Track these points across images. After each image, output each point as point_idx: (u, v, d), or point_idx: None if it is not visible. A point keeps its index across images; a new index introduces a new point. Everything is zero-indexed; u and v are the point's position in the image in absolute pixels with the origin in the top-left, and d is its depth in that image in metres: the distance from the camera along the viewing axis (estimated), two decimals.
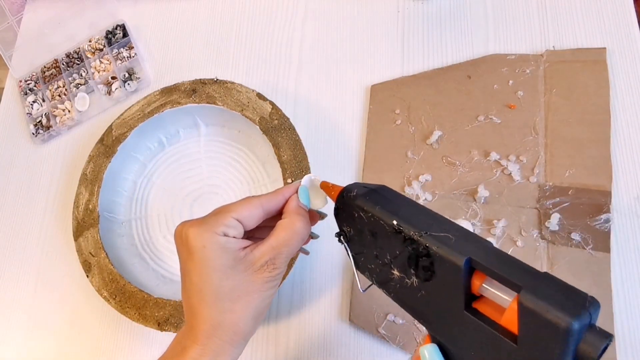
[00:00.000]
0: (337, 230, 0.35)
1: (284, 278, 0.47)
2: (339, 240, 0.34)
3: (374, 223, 0.30)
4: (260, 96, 0.55)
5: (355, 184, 0.34)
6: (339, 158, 0.56)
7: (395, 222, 0.29)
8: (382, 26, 0.60)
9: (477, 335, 0.25)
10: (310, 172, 0.50)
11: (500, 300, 0.25)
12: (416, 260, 0.28)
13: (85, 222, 0.55)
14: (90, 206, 0.55)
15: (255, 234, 0.37)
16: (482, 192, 0.48)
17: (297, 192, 0.37)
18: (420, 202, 0.50)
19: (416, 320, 0.39)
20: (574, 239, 0.45)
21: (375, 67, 0.59)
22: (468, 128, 0.52)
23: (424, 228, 0.28)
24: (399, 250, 0.29)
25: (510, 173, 0.49)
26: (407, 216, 0.29)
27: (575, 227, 0.45)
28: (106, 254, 0.52)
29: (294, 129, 0.52)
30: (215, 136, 0.60)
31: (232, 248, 0.32)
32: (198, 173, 0.59)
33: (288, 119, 0.53)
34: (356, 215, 0.31)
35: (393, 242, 0.29)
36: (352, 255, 0.33)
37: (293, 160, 0.51)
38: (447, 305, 0.27)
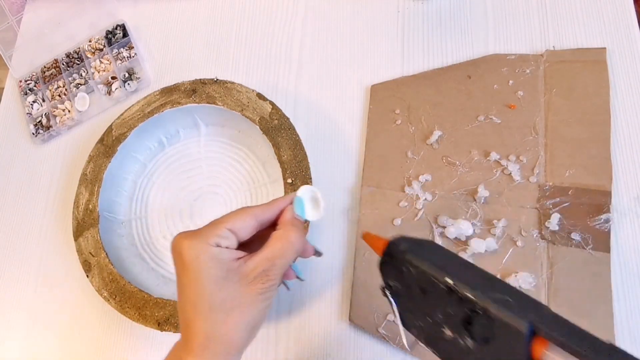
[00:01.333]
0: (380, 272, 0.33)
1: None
2: (384, 295, 0.33)
3: (424, 280, 0.29)
4: (260, 96, 0.55)
5: (402, 237, 0.32)
6: (339, 158, 0.56)
7: (449, 280, 0.27)
8: (382, 26, 0.60)
9: None
10: (310, 174, 0.50)
11: None
12: (472, 321, 0.27)
13: (85, 222, 0.55)
14: (90, 206, 0.55)
15: (252, 246, 0.37)
16: (482, 192, 0.48)
17: (292, 203, 0.37)
18: (420, 202, 0.50)
19: None
20: (574, 239, 0.45)
21: (375, 67, 0.59)
22: (468, 128, 0.52)
23: (481, 289, 0.27)
24: (452, 310, 0.28)
25: (510, 173, 0.49)
26: (461, 275, 0.28)
27: (575, 227, 0.45)
28: (106, 254, 0.52)
29: (294, 129, 0.52)
30: (215, 136, 0.60)
31: (225, 259, 0.32)
32: (198, 173, 0.59)
33: (288, 119, 0.53)
34: (405, 270, 0.30)
35: (446, 301, 0.28)
36: (399, 311, 0.32)
37: (293, 160, 0.51)
38: None
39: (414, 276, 0.30)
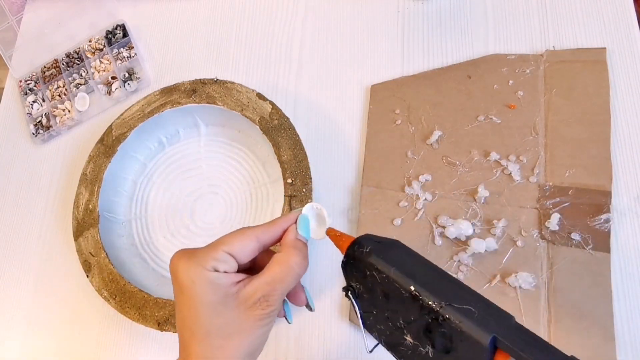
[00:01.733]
0: (344, 274, 0.32)
1: None
2: (346, 296, 0.32)
3: (387, 284, 0.28)
4: (260, 96, 0.55)
5: (366, 236, 0.31)
6: (339, 158, 0.56)
7: (412, 288, 0.27)
8: (382, 26, 0.60)
9: None
10: (310, 174, 0.50)
11: None
12: (434, 331, 0.26)
13: (85, 222, 0.55)
14: (90, 206, 0.55)
15: (256, 264, 0.35)
16: (482, 192, 0.48)
17: (296, 222, 0.35)
18: (420, 202, 0.50)
19: None
20: (574, 239, 0.45)
21: (375, 67, 0.59)
22: (468, 128, 0.52)
23: (445, 297, 0.26)
24: (414, 317, 0.27)
25: (510, 173, 0.49)
26: (426, 281, 0.27)
27: (575, 227, 0.45)
28: (106, 254, 0.52)
29: (294, 129, 0.52)
30: (215, 136, 0.60)
31: (223, 284, 0.31)
32: (198, 173, 0.59)
33: (288, 119, 0.53)
34: (368, 273, 0.29)
35: (409, 307, 0.27)
36: (360, 313, 0.31)
37: (293, 160, 0.51)
38: None
39: (378, 280, 0.29)
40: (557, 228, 0.45)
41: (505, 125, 0.51)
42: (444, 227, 0.48)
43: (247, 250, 0.33)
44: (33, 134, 0.67)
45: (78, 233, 0.55)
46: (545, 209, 0.46)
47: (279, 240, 0.34)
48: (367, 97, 0.57)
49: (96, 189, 0.56)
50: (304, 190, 0.49)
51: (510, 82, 0.52)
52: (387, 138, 0.54)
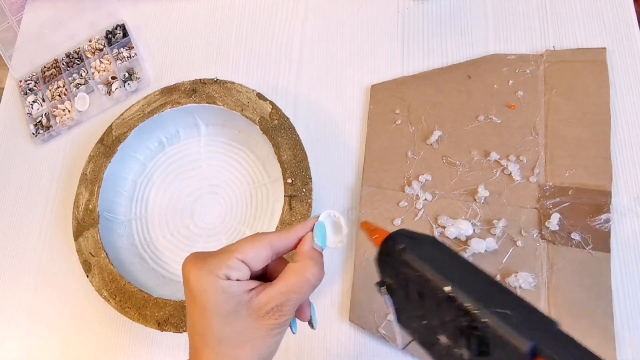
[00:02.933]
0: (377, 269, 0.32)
1: None
2: (379, 291, 0.31)
3: (422, 283, 0.27)
4: (260, 96, 0.55)
5: (400, 231, 0.31)
6: (339, 158, 0.56)
7: (448, 289, 0.26)
8: (382, 26, 0.60)
9: None
10: (310, 174, 0.50)
11: None
12: (470, 333, 0.25)
13: (85, 222, 0.55)
14: (90, 206, 0.55)
15: (268, 271, 0.35)
16: (482, 192, 0.48)
17: (312, 229, 0.34)
18: (420, 202, 0.50)
19: None
20: (574, 239, 0.45)
21: (375, 67, 0.59)
22: (468, 128, 0.52)
23: (482, 299, 0.25)
24: (449, 318, 0.26)
25: (510, 173, 0.49)
26: (462, 281, 0.26)
27: (575, 227, 0.45)
28: (106, 254, 0.52)
29: (294, 129, 0.52)
30: (215, 136, 0.60)
31: (235, 292, 0.30)
32: (198, 173, 0.59)
33: (288, 119, 0.53)
34: (402, 270, 0.29)
35: (444, 307, 0.26)
36: (394, 309, 0.30)
37: (293, 160, 0.51)
38: None
39: (412, 278, 0.28)
40: (557, 228, 0.45)
41: (505, 125, 0.51)
42: (444, 227, 0.48)
43: (260, 257, 0.32)
44: (33, 134, 0.67)
45: (78, 233, 0.55)
46: (545, 209, 0.46)
47: (293, 248, 0.34)
48: (367, 97, 0.57)
49: (96, 189, 0.56)
50: (304, 190, 0.49)
51: (510, 82, 0.52)
52: (387, 138, 0.54)
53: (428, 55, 0.57)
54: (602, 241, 0.44)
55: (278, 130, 0.52)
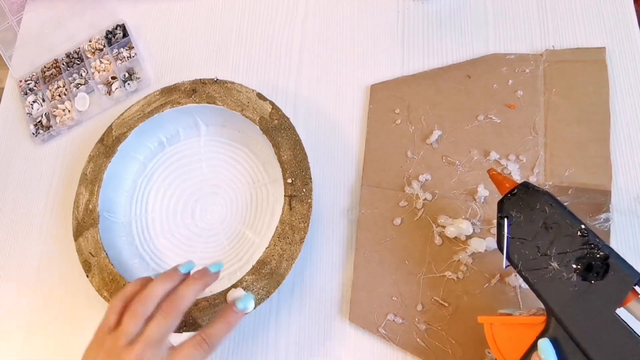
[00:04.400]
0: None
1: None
2: (500, 220, 0.37)
3: (556, 218, 0.34)
4: (260, 96, 0.55)
5: (526, 182, 0.37)
6: (339, 158, 0.56)
7: (583, 227, 0.33)
8: (382, 26, 0.60)
9: (617, 338, 0.31)
10: (310, 174, 0.50)
11: None
12: (588, 262, 0.33)
13: (85, 222, 0.55)
14: (90, 206, 0.55)
15: None
16: (482, 192, 0.48)
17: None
18: (420, 202, 0.50)
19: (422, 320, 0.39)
20: None
21: (375, 67, 0.59)
22: (468, 127, 0.52)
23: (601, 241, 0.33)
24: (571, 249, 0.34)
25: (510, 173, 0.49)
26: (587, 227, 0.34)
27: None
28: (106, 254, 0.52)
29: (294, 129, 0.52)
30: (215, 136, 0.60)
31: None
32: (198, 173, 0.59)
33: (288, 119, 0.53)
34: (538, 206, 0.35)
35: (570, 240, 0.34)
36: (508, 233, 0.36)
37: (293, 160, 0.51)
38: (598, 306, 0.32)
39: (546, 213, 0.35)
40: None
41: (505, 125, 0.51)
42: (443, 227, 0.48)
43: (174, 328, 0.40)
44: (33, 134, 0.67)
45: (78, 233, 0.55)
46: None
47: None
48: (367, 97, 0.57)
49: (96, 189, 0.56)
50: (304, 190, 0.49)
51: (510, 81, 0.52)
52: (387, 137, 0.54)
53: (428, 55, 0.58)
54: None
55: (278, 130, 0.52)
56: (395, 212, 0.51)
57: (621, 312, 0.32)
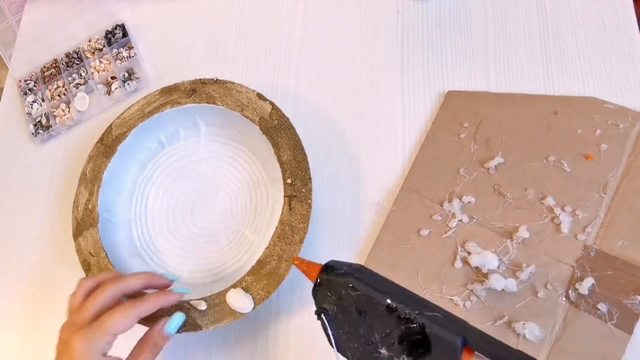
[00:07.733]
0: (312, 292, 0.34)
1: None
2: (319, 318, 0.33)
3: (363, 301, 0.31)
4: (260, 96, 0.55)
5: (334, 261, 0.34)
6: (339, 158, 0.56)
7: (389, 301, 0.30)
8: (382, 26, 0.60)
9: None
10: (310, 174, 0.50)
11: None
12: (410, 339, 0.29)
13: (85, 221, 0.55)
14: (90, 206, 0.55)
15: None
16: (523, 233, 0.46)
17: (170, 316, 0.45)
18: (455, 221, 0.48)
19: None
20: (599, 309, 0.42)
21: (375, 67, 0.59)
22: (533, 164, 0.49)
23: (415, 307, 0.30)
24: (389, 329, 0.30)
25: (560, 224, 0.45)
26: (398, 296, 0.30)
27: (606, 299, 0.42)
28: (106, 254, 0.52)
29: (293, 129, 0.52)
30: (215, 136, 0.60)
31: None
32: (198, 173, 0.59)
33: (288, 119, 0.53)
34: (343, 292, 0.32)
35: (384, 320, 0.30)
36: (332, 333, 0.33)
37: (293, 160, 0.51)
38: None
39: (353, 298, 0.31)
40: (586, 292, 0.43)
41: (574, 174, 0.47)
42: (469, 253, 0.47)
43: (128, 329, 0.41)
44: (33, 134, 0.67)
45: (78, 233, 0.55)
46: (582, 271, 0.44)
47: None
48: (439, 102, 0.55)
49: (96, 189, 0.56)
50: (304, 190, 0.49)
51: (598, 131, 0.48)
52: (444, 148, 0.52)
53: (428, 56, 0.57)
54: (628, 321, 0.41)
55: (278, 130, 0.52)
56: (425, 223, 0.49)
57: None
